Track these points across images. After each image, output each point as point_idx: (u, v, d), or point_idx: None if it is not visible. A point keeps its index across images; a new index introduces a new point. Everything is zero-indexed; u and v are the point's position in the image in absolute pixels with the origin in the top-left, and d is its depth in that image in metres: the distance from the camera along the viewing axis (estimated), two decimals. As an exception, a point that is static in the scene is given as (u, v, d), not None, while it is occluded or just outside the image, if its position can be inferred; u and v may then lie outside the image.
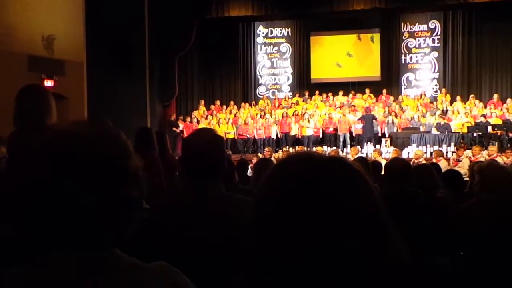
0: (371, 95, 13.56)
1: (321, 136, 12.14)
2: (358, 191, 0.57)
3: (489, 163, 2.32)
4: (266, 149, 10.08)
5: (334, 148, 10.97)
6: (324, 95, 13.67)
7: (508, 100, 12.10)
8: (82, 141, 0.67)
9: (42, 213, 0.66)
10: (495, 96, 12.55)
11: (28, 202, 0.67)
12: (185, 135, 11.47)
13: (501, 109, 11.68)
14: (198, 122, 12.79)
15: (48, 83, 7.83)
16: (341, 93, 13.63)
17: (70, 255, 0.67)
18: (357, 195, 0.56)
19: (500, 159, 7.53)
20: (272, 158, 8.67)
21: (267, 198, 0.59)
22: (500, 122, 10.89)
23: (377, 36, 14.41)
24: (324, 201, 0.54)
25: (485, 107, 12.07)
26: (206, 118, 13.05)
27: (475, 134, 10.63)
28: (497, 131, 10.51)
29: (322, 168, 0.58)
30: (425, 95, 13.32)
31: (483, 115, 11.33)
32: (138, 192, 0.70)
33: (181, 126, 12.59)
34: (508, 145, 9.73)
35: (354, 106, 12.71)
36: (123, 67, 9.42)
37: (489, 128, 10.59)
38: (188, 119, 12.80)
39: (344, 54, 14.49)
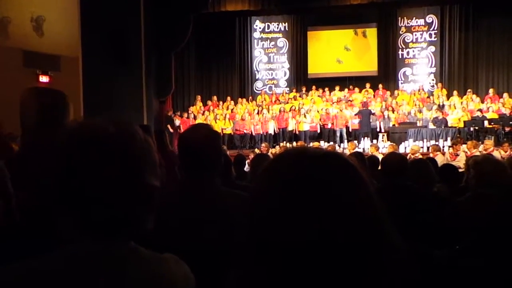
0: (369, 90, 13.57)
1: (318, 131, 12.16)
2: (353, 184, 0.57)
3: (484, 157, 2.33)
4: (263, 144, 10.09)
5: (331, 143, 10.98)
6: (321, 90, 13.67)
7: (505, 94, 12.14)
8: (105, 134, 0.70)
9: (66, 203, 0.68)
10: (491, 90, 12.59)
11: (54, 191, 0.69)
12: (182, 130, 11.43)
13: (497, 103, 11.73)
14: (195, 117, 12.76)
15: (43, 78, 7.79)
16: (337, 88, 13.62)
17: (92, 244, 0.69)
18: (352, 188, 0.56)
19: (497, 153, 7.57)
20: (269, 154, 8.68)
21: (262, 193, 0.59)
22: (496, 116, 10.94)
23: (370, 31, 14.37)
24: (320, 194, 0.55)
25: (482, 102, 12.11)
26: (203, 114, 13.03)
27: (471, 129, 10.68)
28: (494, 126, 10.57)
29: (317, 162, 0.58)
30: (423, 89, 13.34)
31: (480, 110, 11.37)
32: (157, 181, 0.73)
33: (177, 121, 12.55)
34: (505, 139, 9.78)
35: (351, 101, 12.71)
36: (119, 62, 9.36)
37: (486, 123, 10.64)
38: (185, 114, 12.77)
39: (341, 49, 14.46)
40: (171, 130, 11.94)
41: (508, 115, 10.97)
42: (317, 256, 0.52)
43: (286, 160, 0.60)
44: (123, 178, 0.68)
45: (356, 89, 13.52)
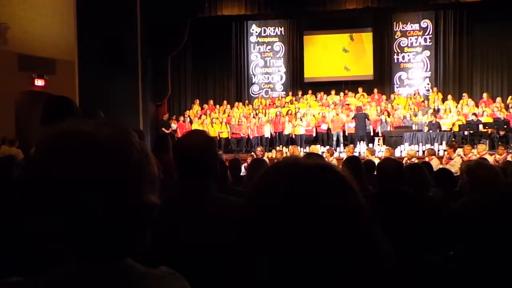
0: (364, 94, 13.64)
1: (314, 135, 12.18)
2: (343, 196, 0.58)
3: (477, 163, 2.35)
4: (258, 148, 10.09)
5: (328, 147, 11.01)
6: (318, 95, 13.72)
7: (498, 99, 12.24)
8: (100, 145, 0.61)
9: (56, 221, 0.60)
10: (485, 95, 12.70)
11: (41, 209, 0.60)
12: (179, 134, 11.42)
13: (492, 107, 11.83)
14: (191, 121, 12.75)
15: (39, 82, 7.76)
16: (333, 92, 13.69)
17: (85, 267, 0.62)
18: (341, 200, 0.57)
19: (491, 158, 7.62)
20: (265, 158, 8.69)
21: (253, 205, 0.59)
22: (491, 120, 11.02)
23: (365, 36, 14.43)
24: (310, 206, 0.55)
25: (477, 106, 12.20)
26: (199, 118, 13.02)
27: (466, 133, 10.75)
28: (488, 129, 10.64)
29: (308, 174, 0.59)
30: (418, 94, 13.42)
31: (474, 114, 11.46)
32: (156, 197, 0.66)
33: (174, 125, 12.53)
34: (499, 143, 9.85)
35: (348, 105, 12.77)
36: (115, 66, 9.35)
37: (480, 127, 10.71)
38: (181, 118, 12.76)
39: (340, 51, 14.50)
40: (166, 131, 11.92)
41: (502, 119, 11.06)
42: (306, 266, 0.53)
43: (278, 172, 0.60)
44: (117, 195, 0.60)
45: (351, 93, 13.58)
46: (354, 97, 13.50)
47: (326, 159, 6.35)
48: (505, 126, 10.72)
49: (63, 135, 0.62)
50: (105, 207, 0.60)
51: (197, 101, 13.89)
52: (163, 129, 11.89)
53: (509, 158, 7.49)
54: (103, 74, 8.97)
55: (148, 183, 0.64)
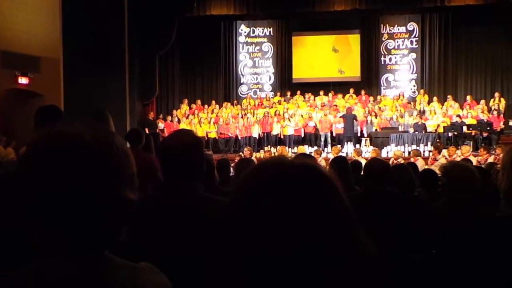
0: (353, 95, 13.77)
1: (302, 135, 12.24)
2: (327, 195, 0.58)
3: (453, 164, 2.42)
4: (245, 149, 10.09)
5: (316, 147, 11.07)
6: (306, 95, 13.79)
7: (482, 101, 12.51)
8: (80, 145, 0.67)
9: (38, 215, 0.66)
10: (469, 97, 12.96)
11: (28, 200, 0.66)
12: (166, 134, 11.34)
13: (476, 109, 12.08)
14: (179, 121, 12.67)
15: (23, 80, 7.60)
16: (321, 93, 13.78)
17: (66, 258, 0.67)
18: (326, 199, 0.57)
19: (474, 159, 7.77)
20: (253, 158, 8.69)
21: (238, 204, 0.59)
22: (474, 122, 11.25)
23: (353, 37, 14.55)
24: (294, 206, 0.55)
25: (461, 108, 12.45)
26: (187, 118, 12.95)
27: (450, 134, 10.95)
28: (472, 131, 10.86)
29: (293, 174, 0.59)
30: (403, 95, 13.62)
31: (458, 115, 11.68)
32: (134, 194, 0.71)
33: (161, 125, 12.43)
34: (483, 144, 10.07)
35: (336, 106, 12.87)
36: (102, 64, 9.22)
37: (464, 128, 10.92)
38: (169, 118, 12.66)
39: (328, 52, 14.59)
40: (148, 131, 11.77)
41: (485, 121, 11.30)
42: (291, 265, 0.53)
43: (263, 172, 0.60)
44: (98, 192, 0.66)
45: (339, 95, 13.70)
46: (343, 97, 13.62)
47: (314, 159, 6.36)
48: (488, 128, 10.96)
49: (52, 136, 0.68)
50: (87, 201, 0.65)
51: (185, 101, 13.82)
52: (146, 129, 11.73)
53: (491, 160, 7.65)
54: (89, 73, 8.83)
55: (127, 181, 0.70)
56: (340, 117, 11.87)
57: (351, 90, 13.81)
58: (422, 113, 12.32)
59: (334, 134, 12.08)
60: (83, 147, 0.66)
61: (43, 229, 0.66)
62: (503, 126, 11.66)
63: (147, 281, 0.72)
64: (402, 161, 7.81)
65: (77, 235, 0.66)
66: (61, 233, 0.66)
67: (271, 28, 14.74)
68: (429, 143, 10.66)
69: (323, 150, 10.88)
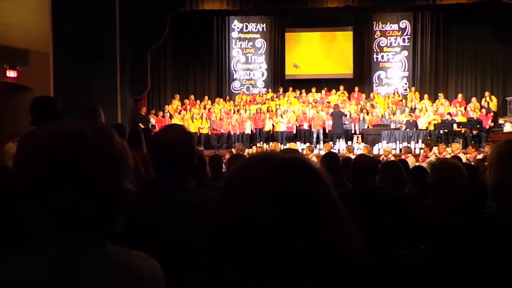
0: (345, 92, 13.82)
1: (294, 132, 12.27)
2: (315, 189, 0.58)
3: (441, 162, 2.44)
4: (236, 144, 10.07)
5: (308, 144, 11.11)
6: (298, 92, 13.80)
7: (473, 99, 12.65)
8: (86, 139, 0.73)
9: (41, 201, 0.71)
10: (460, 95, 13.10)
11: (32, 194, 0.71)
12: (157, 129, 11.23)
13: (465, 108, 12.22)
14: (171, 116, 12.59)
15: (11, 73, 7.47)
16: (314, 89, 13.80)
17: (67, 243, 0.72)
18: (314, 193, 0.57)
19: (464, 157, 7.87)
20: (246, 154, 8.67)
21: (226, 197, 0.59)
22: (465, 120, 11.39)
23: (345, 34, 14.58)
24: (283, 199, 0.55)
25: (452, 106, 12.58)
26: (179, 113, 12.87)
27: (441, 132, 11.06)
28: (462, 129, 10.99)
29: (282, 168, 0.58)
30: (397, 93, 13.71)
31: (449, 113, 11.81)
32: (132, 185, 0.77)
33: (153, 120, 12.35)
34: (472, 142, 10.20)
35: (329, 103, 12.92)
36: (93, 58, 9.10)
37: (455, 126, 11.04)
38: (161, 113, 12.58)
39: (320, 49, 14.60)
40: (142, 127, 11.71)
41: (475, 119, 11.44)
42: (278, 258, 0.53)
43: (252, 165, 0.60)
44: (101, 182, 0.71)
45: (332, 91, 13.74)
46: (336, 94, 13.66)
47: (306, 156, 6.40)
48: (478, 126, 11.10)
49: (57, 132, 0.73)
50: (90, 190, 0.71)
51: (178, 96, 13.73)
52: (140, 124, 11.66)
53: (479, 157, 7.75)
54: (80, 67, 8.71)
55: (125, 173, 0.76)
56: (330, 114, 11.92)
57: (341, 87, 13.87)
58: (413, 110, 12.42)
59: (327, 131, 12.12)
60: (88, 142, 0.73)
61: (46, 217, 0.71)
62: (492, 124, 11.82)
63: (142, 266, 0.77)
64: (393, 158, 7.88)
65: (79, 222, 0.72)
66: (63, 220, 0.71)
67: (264, 24, 14.70)
68: (420, 141, 10.75)
69: (315, 147, 10.92)
